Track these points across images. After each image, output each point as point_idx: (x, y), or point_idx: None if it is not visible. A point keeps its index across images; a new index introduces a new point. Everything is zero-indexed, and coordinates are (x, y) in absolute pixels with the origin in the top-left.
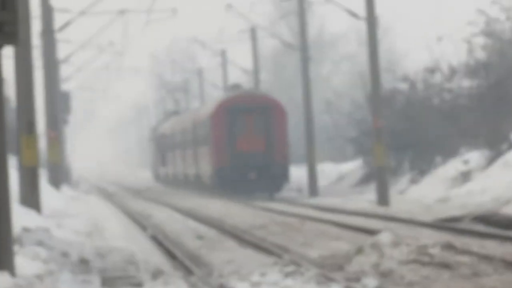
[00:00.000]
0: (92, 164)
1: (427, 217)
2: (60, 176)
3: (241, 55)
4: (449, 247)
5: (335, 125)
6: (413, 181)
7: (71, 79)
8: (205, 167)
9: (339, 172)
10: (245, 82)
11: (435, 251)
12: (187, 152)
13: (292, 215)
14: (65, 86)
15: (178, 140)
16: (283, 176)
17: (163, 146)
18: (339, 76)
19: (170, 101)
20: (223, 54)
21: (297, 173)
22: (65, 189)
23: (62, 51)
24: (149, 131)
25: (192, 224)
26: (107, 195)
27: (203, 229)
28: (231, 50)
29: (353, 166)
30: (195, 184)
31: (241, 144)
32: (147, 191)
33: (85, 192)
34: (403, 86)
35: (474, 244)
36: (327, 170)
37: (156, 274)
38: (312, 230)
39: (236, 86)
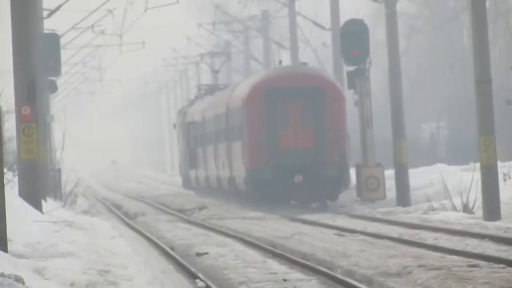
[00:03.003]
0: (103, 166)
1: None
2: (42, 185)
3: None
4: None
5: None
6: None
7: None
8: (239, 169)
9: None
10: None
11: None
12: (219, 148)
13: (453, 252)
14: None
15: (211, 131)
16: (340, 180)
17: (192, 140)
18: None
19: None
20: None
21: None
22: (52, 208)
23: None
24: (176, 116)
25: (276, 267)
26: (126, 217)
27: (289, 273)
28: None
29: None
30: (229, 191)
31: (283, 138)
32: (191, 208)
33: (86, 212)
34: None
35: None
36: None
37: None
38: (494, 282)
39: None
